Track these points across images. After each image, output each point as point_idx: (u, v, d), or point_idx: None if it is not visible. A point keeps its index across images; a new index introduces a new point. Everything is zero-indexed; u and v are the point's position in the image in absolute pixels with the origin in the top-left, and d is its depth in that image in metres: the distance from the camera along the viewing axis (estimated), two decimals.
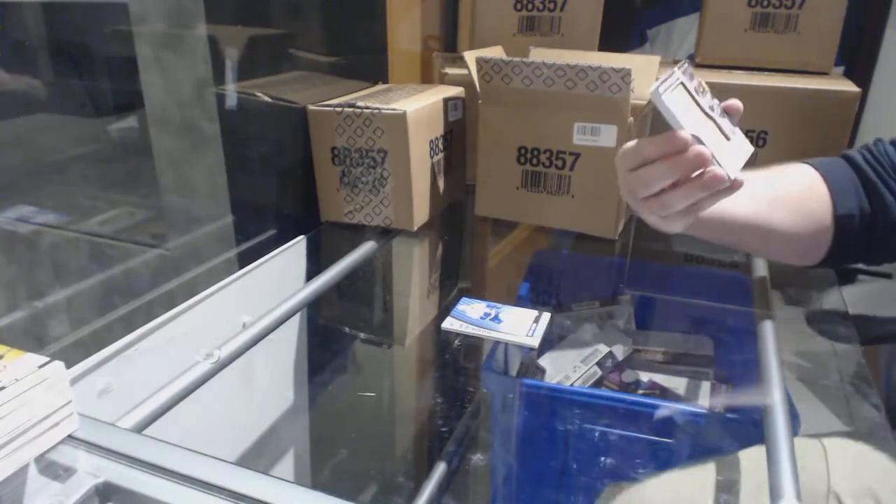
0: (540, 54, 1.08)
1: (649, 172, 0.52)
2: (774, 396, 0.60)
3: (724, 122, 0.53)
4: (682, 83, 0.51)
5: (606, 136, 0.85)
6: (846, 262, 0.68)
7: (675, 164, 0.50)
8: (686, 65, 0.51)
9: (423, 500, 0.49)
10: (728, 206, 0.60)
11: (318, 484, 1.04)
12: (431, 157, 0.96)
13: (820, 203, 0.65)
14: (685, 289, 1.06)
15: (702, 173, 0.50)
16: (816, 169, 0.67)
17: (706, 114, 0.52)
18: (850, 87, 0.98)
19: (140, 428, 0.58)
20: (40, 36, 0.69)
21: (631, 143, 0.54)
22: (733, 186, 0.52)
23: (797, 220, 0.65)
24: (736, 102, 0.53)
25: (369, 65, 1.15)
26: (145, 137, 0.81)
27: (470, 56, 0.95)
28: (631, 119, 0.84)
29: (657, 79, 0.50)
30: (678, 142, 0.49)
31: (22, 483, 0.44)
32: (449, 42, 1.40)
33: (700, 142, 0.50)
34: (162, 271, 0.80)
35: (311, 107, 0.91)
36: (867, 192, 0.64)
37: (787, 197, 0.66)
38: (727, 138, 0.53)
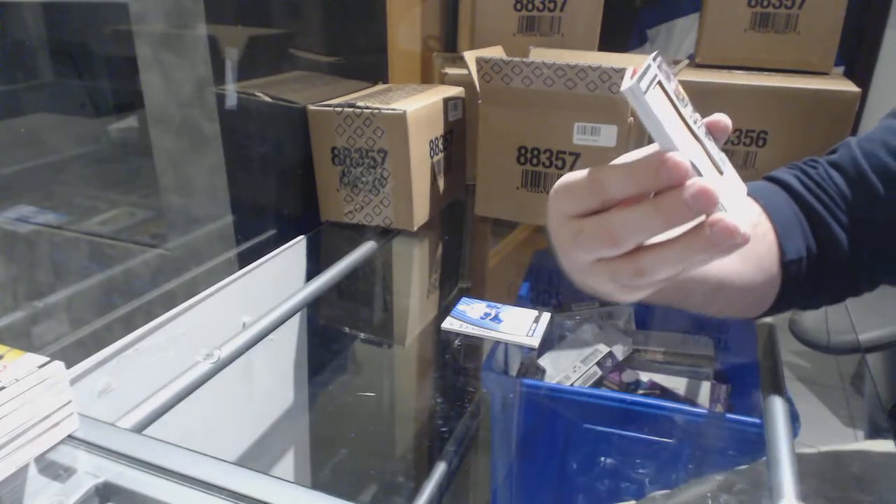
0: (540, 54, 1.08)
1: (620, 221, 0.33)
2: (774, 396, 0.60)
3: (712, 146, 0.34)
4: (659, 82, 0.32)
5: (606, 136, 0.85)
6: (787, 310, 0.55)
7: (667, 208, 0.31)
8: (660, 58, 0.32)
9: (423, 500, 0.49)
10: None
11: (318, 484, 1.04)
12: (431, 157, 0.96)
13: (767, 246, 0.51)
14: None
15: (701, 224, 0.32)
16: (756, 200, 0.52)
17: (692, 131, 0.33)
18: (851, 87, 0.98)
19: (140, 428, 0.58)
20: (40, 36, 0.69)
21: (578, 174, 0.35)
22: (739, 244, 0.31)
23: (747, 268, 0.50)
24: (723, 119, 0.34)
25: (369, 65, 1.15)
26: (145, 137, 0.81)
27: (470, 56, 0.95)
28: (631, 119, 0.84)
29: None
30: (672, 170, 0.30)
31: (22, 483, 0.44)
32: (449, 42, 1.40)
33: (698, 172, 0.32)
34: (162, 271, 0.80)
35: (311, 107, 0.91)
36: (813, 226, 0.52)
37: None
38: (719, 171, 0.34)
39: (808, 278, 0.52)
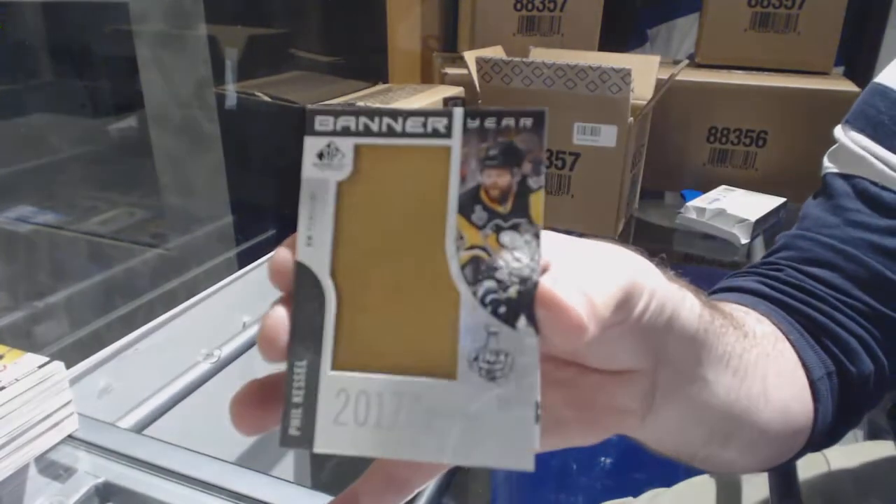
0: (540, 54, 1.08)
1: None
2: None
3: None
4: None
5: (607, 135, 0.85)
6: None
7: None
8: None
9: (423, 500, 0.49)
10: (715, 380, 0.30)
11: (318, 484, 1.04)
12: None
13: (800, 402, 0.39)
14: None
15: None
16: (787, 337, 0.39)
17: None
18: (851, 87, 0.98)
19: (140, 428, 0.58)
20: (39, 35, 0.69)
21: None
22: None
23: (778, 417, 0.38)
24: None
25: (369, 65, 1.15)
26: (145, 137, 0.81)
27: (470, 56, 0.95)
28: (631, 119, 0.84)
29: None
30: None
31: (22, 483, 0.44)
32: (449, 42, 1.40)
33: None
34: (162, 271, 0.80)
35: (310, 107, 0.91)
36: (825, 347, 0.40)
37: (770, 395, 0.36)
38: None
39: (836, 410, 0.41)
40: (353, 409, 0.19)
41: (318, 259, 0.20)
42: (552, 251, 0.20)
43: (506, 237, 0.19)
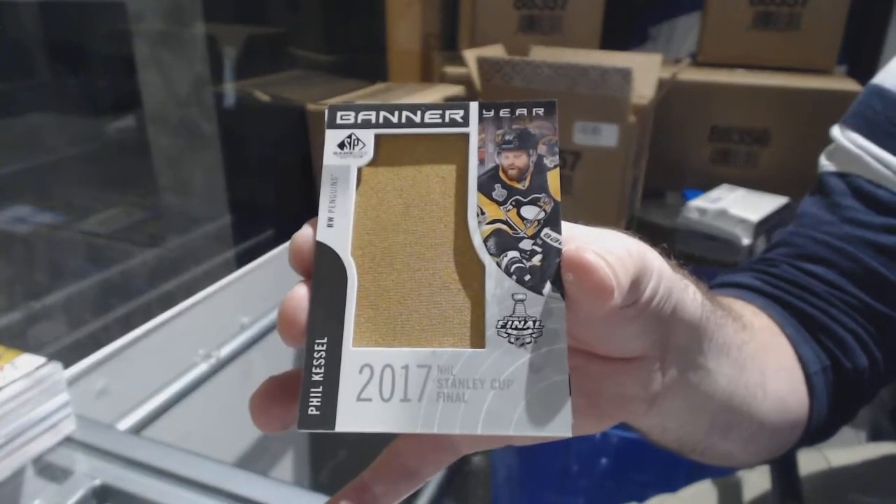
0: (540, 53, 1.07)
1: None
2: None
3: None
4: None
5: (608, 135, 0.85)
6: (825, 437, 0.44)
7: None
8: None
9: (423, 501, 0.48)
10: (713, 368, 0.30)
11: (317, 485, 1.04)
12: None
13: (797, 396, 0.39)
14: None
15: None
16: (783, 331, 0.40)
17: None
18: (853, 85, 0.97)
19: (138, 429, 0.58)
20: (37, 35, 0.68)
21: None
22: None
23: (776, 409, 0.38)
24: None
25: (368, 63, 1.14)
26: (143, 137, 0.80)
27: (470, 55, 0.95)
28: (632, 118, 0.84)
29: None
30: None
31: (19, 485, 0.44)
32: (449, 41, 1.39)
33: None
34: (160, 271, 0.80)
35: (310, 106, 0.91)
36: (820, 342, 0.41)
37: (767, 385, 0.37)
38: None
39: (831, 408, 0.41)
40: (378, 385, 0.18)
41: (340, 238, 0.20)
42: (568, 229, 0.20)
43: (526, 210, 0.20)
